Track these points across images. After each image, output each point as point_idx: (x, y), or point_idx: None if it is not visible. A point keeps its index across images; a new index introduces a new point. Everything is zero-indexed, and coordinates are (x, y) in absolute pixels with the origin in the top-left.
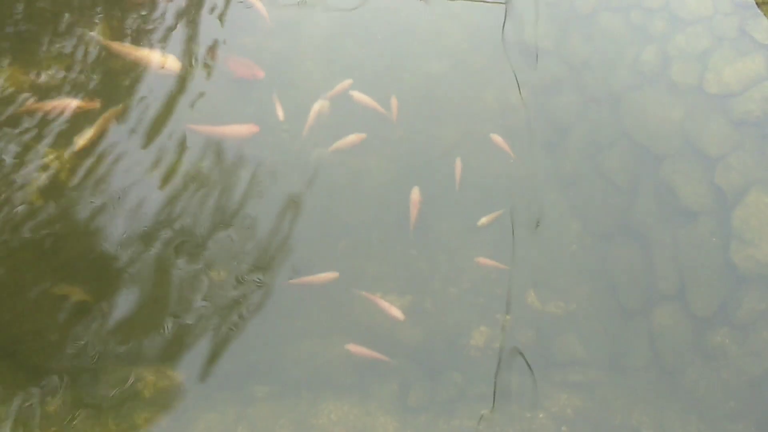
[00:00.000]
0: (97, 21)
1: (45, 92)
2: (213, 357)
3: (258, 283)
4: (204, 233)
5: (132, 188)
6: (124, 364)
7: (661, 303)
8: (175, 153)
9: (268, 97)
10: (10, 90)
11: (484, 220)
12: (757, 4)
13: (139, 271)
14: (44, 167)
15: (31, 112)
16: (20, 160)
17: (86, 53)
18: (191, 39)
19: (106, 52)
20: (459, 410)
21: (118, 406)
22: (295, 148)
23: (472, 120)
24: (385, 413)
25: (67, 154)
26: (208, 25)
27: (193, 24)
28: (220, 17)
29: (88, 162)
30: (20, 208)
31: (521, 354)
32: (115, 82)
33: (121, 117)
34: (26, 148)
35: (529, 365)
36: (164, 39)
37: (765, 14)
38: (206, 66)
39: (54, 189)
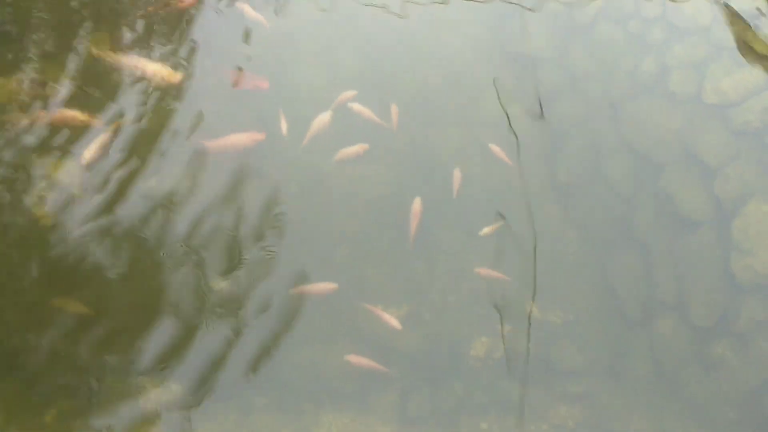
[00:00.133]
0: (96, 32)
1: (43, 104)
2: (212, 367)
3: (258, 292)
4: (203, 243)
5: (132, 199)
6: (123, 376)
7: (661, 313)
8: (176, 164)
9: (267, 107)
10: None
11: (486, 230)
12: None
13: (138, 282)
14: (47, 178)
15: (33, 123)
16: (22, 171)
17: (85, 65)
18: (192, 50)
19: (106, 64)
20: (459, 421)
21: (116, 418)
22: (295, 158)
23: (471, 129)
24: (384, 424)
25: (70, 166)
26: (208, 36)
27: (192, 35)
28: (220, 27)
29: (90, 174)
30: (20, 221)
31: (522, 364)
32: (116, 94)
33: (122, 129)
34: (28, 160)
35: (529, 375)
36: (165, 50)
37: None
38: (207, 77)
39: (54, 201)
